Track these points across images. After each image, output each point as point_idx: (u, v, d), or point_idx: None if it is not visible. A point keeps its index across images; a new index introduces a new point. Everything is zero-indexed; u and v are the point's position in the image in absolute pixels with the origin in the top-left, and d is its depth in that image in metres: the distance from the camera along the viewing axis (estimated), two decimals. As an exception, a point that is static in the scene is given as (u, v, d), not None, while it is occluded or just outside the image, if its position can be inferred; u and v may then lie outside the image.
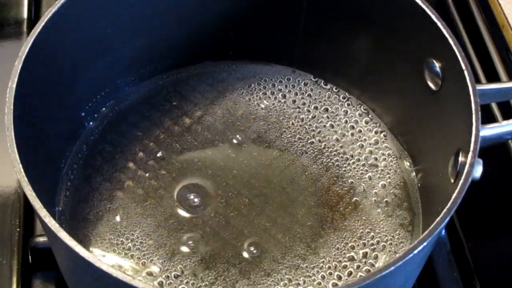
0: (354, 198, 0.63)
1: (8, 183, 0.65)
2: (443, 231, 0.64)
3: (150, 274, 0.58)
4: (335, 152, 0.66)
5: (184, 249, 0.59)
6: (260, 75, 0.71)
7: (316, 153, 0.66)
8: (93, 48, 0.63)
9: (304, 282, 0.58)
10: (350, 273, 0.58)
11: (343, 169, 0.65)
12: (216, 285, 0.57)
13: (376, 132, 0.67)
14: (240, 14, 0.68)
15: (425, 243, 0.46)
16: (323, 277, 0.58)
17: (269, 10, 0.67)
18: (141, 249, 0.59)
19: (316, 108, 0.69)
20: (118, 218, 0.61)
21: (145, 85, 0.70)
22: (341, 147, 0.66)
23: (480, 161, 0.51)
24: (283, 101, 0.69)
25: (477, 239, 0.66)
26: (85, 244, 0.59)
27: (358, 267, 0.59)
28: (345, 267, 0.59)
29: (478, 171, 0.51)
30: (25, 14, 0.79)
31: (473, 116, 0.51)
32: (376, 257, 0.59)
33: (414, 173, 0.64)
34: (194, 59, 0.72)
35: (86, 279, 0.51)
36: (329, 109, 0.69)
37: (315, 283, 0.58)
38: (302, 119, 0.68)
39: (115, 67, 0.67)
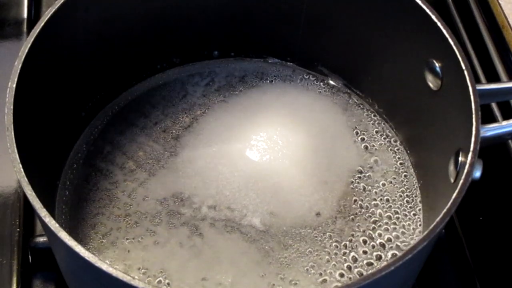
0: (354, 198, 0.63)
1: (8, 183, 0.65)
2: (443, 231, 0.65)
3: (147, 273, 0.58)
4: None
5: (183, 248, 0.59)
6: (260, 72, 0.71)
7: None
8: (93, 48, 0.63)
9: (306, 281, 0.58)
10: (350, 272, 0.58)
11: (343, 168, 0.65)
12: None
13: (376, 132, 0.67)
14: (240, 12, 0.68)
15: (425, 243, 0.46)
16: (324, 278, 0.58)
17: (269, 10, 0.68)
18: (141, 248, 0.59)
19: (315, 106, 0.69)
20: (118, 218, 0.61)
21: (145, 85, 0.70)
22: (341, 147, 0.66)
23: (480, 161, 0.51)
24: (283, 98, 0.69)
25: (477, 239, 0.66)
26: (85, 244, 0.59)
27: (359, 266, 0.59)
28: (346, 266, 0.59)
29: (478, 171, 0.51)
30: (25, 14, 0.79)
31: (473, 116, 0.51)
32: (376, 257, 0.59)
33: (414, 173, 0.64)
34: (194, 58, 0.72)
35: (86, 279, 0.51)
36: (328, 107, 0.69)
37: (318, 281, 0.58)
38: (302, 117, 0.68)
39: (115, 67, 0.67)
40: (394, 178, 0.64)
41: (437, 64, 0.58)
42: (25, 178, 0.48)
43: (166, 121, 0.67)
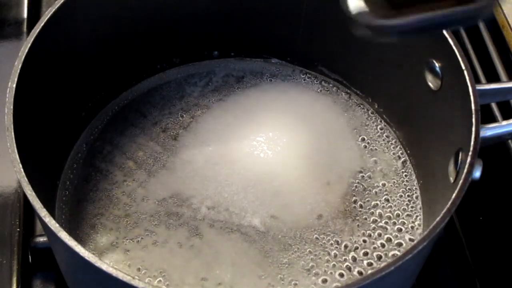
0: (354, 198, 0.63)
1: (8, 183, 0.65)
2: (443, 231, 0.64)
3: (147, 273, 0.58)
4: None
5: (183, 248, 0.59)
6: (260, 72, 0.71)
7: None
8: (93, 48, 0.63)
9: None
10: (350, 272, 0.58)
11: (344, 169, 0.65)
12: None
13: (376, 132, 0.67)
14: (240, 12, 0.68)
15: (425, 243, 0.46)
16: (324, 278, 0.58)
17: (269, 10, 0.68)
18: (141, 248, 0.59)
19: (315, 106, 0.69)
20: (118, 218, 0.61)
21: (145, 85, 0.70)
22: (341, 147, 0.66)
23: (480, 161, 0.51)
24: (282, 97, 0.69)
25: (477, 239, 0.66)
26: (85, 244, 0.59)
27: (359, 266, 0.59)
28: (346, 266, 0.59)
29: (478, 171, 0.51)
30: (25, 14, 0.79)
31: (473, 116, 0.51)
32: (376, 257, 0.59)
33: (414, 173, 0.64)
34: (194, 58, 0.72)
35: (86, 279, 0.51)
36: (328, 107, 0.69)
37: (318, 281, 0.58)
38: (302, 117, 0.68)
39: (114, 67, 0.67)
40: (394, 178, 0.64)
41: (437, 64, 0.58)
42: (25, 178, 0.48)
43: (166, 121, 0.67)
